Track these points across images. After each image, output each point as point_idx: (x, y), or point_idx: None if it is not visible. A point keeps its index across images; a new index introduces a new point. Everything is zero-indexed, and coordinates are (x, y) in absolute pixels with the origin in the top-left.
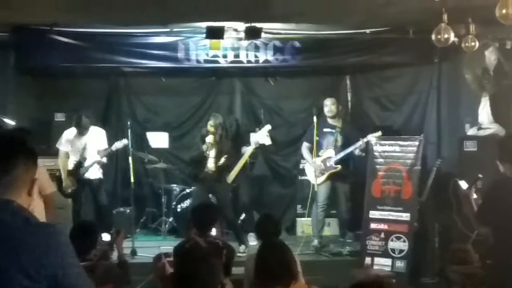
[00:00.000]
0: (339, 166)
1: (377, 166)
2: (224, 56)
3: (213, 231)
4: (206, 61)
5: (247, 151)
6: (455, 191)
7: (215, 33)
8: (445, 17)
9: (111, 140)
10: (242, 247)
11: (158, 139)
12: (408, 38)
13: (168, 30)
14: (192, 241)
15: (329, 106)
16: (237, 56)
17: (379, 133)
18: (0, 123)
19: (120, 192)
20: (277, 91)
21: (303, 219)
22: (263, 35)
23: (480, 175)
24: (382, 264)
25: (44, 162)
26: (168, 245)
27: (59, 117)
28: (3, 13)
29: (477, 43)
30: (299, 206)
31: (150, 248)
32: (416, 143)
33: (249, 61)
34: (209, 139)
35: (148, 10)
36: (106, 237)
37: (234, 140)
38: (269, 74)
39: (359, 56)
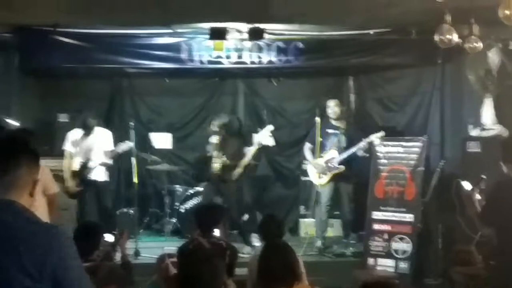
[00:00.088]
0: (342, 167)
1: (380, 167)
2: (227, 57)
3: (217, 232)
4: (209, 62)
5: (250, 151)
6: (458, 192)
7: (218, 34)
8: (448, 18)
9: (114, 141)
10: (247, 249)
11: (162, 140)
12: (411, 39)
13: (171, 31)
14: (196, 242)
15: (332, 107)
16: (240, 57)
17: (382, 133)
18: (4, 124)
19: (124, 193)
20: (280, 92)
21: (306, 220)
22: (266, 36)
23: (483, 176)
24: (385, 265)
25: (47, 163)
26: (171, 246)
27: (62, 118)
28: (6, 14)
29: (480, 44)
30: (302, 207)
31: (153, 248)
32: (419, 144)
33: (252, 62)
34: (214, 139)
35: (151, 11)
36: (109, 237)
37: (238, 140)
38: (272, 75)
39: (362, 57)
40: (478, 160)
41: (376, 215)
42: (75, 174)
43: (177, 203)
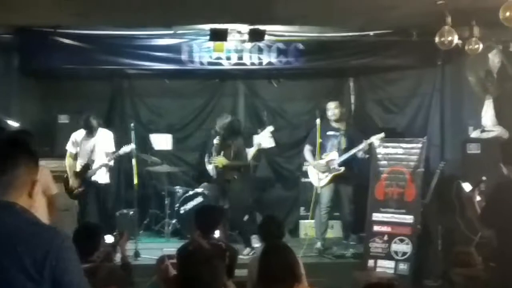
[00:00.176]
0: (343, 168)
1: (381, 169)
2: (228, 58)
3: (217, 233)
4: (209, 63)
5: (250, 152)
6: (458, 194)
7: (219, 35)
8: (448, 19)
9: (115, 142)
10: (247, 250)
11: (162, 141)
12: (411, 40)
13: (171, 32)
14: (196, 243)
15: (332, 109)
16: (240, 58)
17: (382, 135)
18: (4, 125)
19: (124, 194)
20: (280, 93)
21: (306, 221)
22: (266, 37)
23: (483, 178)
24: (385, 266)
25: (48, 164)
26: (171, 247)
27: (63, 119)
28: (7, 15)
29: (481, 46)
30: (302, 208)
31: (153, 250)
32: (420, 145)
33: (252, 63)
34: (216, 140)
35: (151, 12)
36: (109, 239)
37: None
38: (272, 76)
39: (362, 59)
40: (478, 161)
41: (376, 216)
42: (77, 175)
43: (177, 204)
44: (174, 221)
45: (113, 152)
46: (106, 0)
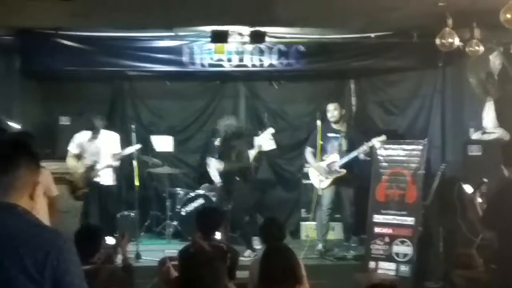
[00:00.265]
0: (344, 171)
1: (381, 170)
2: (229, 60)
3: (218, 235)
4: (210, 65)
5: (251, 154)
6: (459, 195)
7: (220, 37)
8: (449, 21)
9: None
10: (248, 251)
11: (163, 143)
12: (412, 42)
13: (173, 34)
14: (197, 245)
15: (331, 111)
16: (241, 60)
17: (383, 137)
18: (5, 126)
19: (125, 196)
20: (281, 95)
21: (307, 223)
22: (267, 39)
23: (484, 179)
24: (386, 268)
25: (49, 165)
26: (172, 249)
27: (64, 120)
28: (8, 17)
29: (482, 48)
30: (303, 210)
31: (154, 251)
32: (420, 147)
33: (253, 65)
34: (217, 142)
35: (152, 13)
36: (110, 240)
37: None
38: (273, 78)
39: (363, 60)
40: (479, 163)
41: (377, 218)
42: (82, 176)
43: (178, 206)
44: (175, 222)
45: (119, 153)
46: (106, 2)
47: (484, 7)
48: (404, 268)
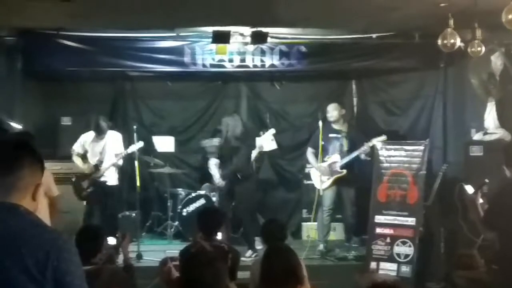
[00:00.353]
0: (344, 171)
1: (383, 171)
2: (230, 61)
3: (219, 235)
4: (212, 65)
5: (252, 155)
6: (461, 196)
7: (221, 38)
8: (451, 22)
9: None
10: (249, 252)
11: (164, 143)
12: (414, 43)
13: (174, 34)
14: (198, 245)
15: (330, 112)
16: (243, 60)
17: (383, 137)
18: (7, 126)
19: (126, 196)
20: (283, 95)
21: (308, 223)
22: (269, 39)
23: (486, 180)
24: (387, 268)
25: (50, 166)
26: (173, 249)
27: (65, 121)
28: (8, 17)
29: (483, 48)
30: (304, 211)
31: (155, 252)
32: (422, 148)
33: (255, 66)
34: (218, 141)
35: (154, 14)
36: (112, 240)
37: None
38: (275, 78)
39: (365, 61)
40: (480, 164)
41: (379, 219)
42: (87, 176)
43: (179, 206)
44: (176, 223)
45: (122, 153)
46: (107, 2)
47: (486, 7)
48: (405, 269)
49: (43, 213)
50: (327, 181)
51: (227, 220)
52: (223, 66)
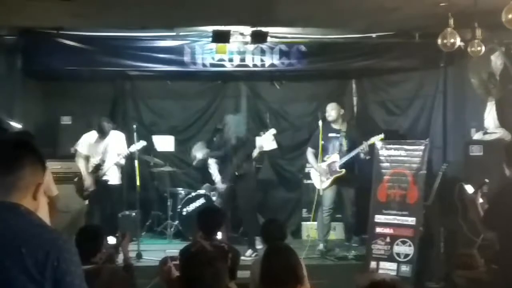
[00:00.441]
0: (344, 170)
1: (383, 171)
2: (230, 60)
3: (219, 235)
4: (212, 65)
5: (253, 154)
6: (461, 196)
7: (221, 37)
8: (451, 21)
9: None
10: (249, 251)
11: (164, 143)
12: (414, 42)
13: (174, 34)
14: (198, 245)
15: (329, 111)
16: (243, 60)
17: (381, 136)
18: (7, 126)
19: (126, 195)
20: (283, 95)
21: (308, 223)
22: (269, 39)
23: (486, 180)
24: (387, 268)
25: (50, 165)
26: (173, 249)
27: (65, 120)
28: (8, 16)
29: (483, 48)
30: (304, 210)
31: (155, 251)
32: (422, 147)
33: (255, 65)
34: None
35: (154, 14)
36: (111, 240)
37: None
38: (275, 78)
39: (365, 61)
40: (480, 163)
41: (379, 218)
42: (90, 176)
43: (179, 206)
44: (176, 222)
45: (125, 152)
46: (106, 2)
47: (486, 7)
48: (405, 268)
49: (43, 213)
50: (327, 181)
51: (227, 220)
52: (223, 66)
